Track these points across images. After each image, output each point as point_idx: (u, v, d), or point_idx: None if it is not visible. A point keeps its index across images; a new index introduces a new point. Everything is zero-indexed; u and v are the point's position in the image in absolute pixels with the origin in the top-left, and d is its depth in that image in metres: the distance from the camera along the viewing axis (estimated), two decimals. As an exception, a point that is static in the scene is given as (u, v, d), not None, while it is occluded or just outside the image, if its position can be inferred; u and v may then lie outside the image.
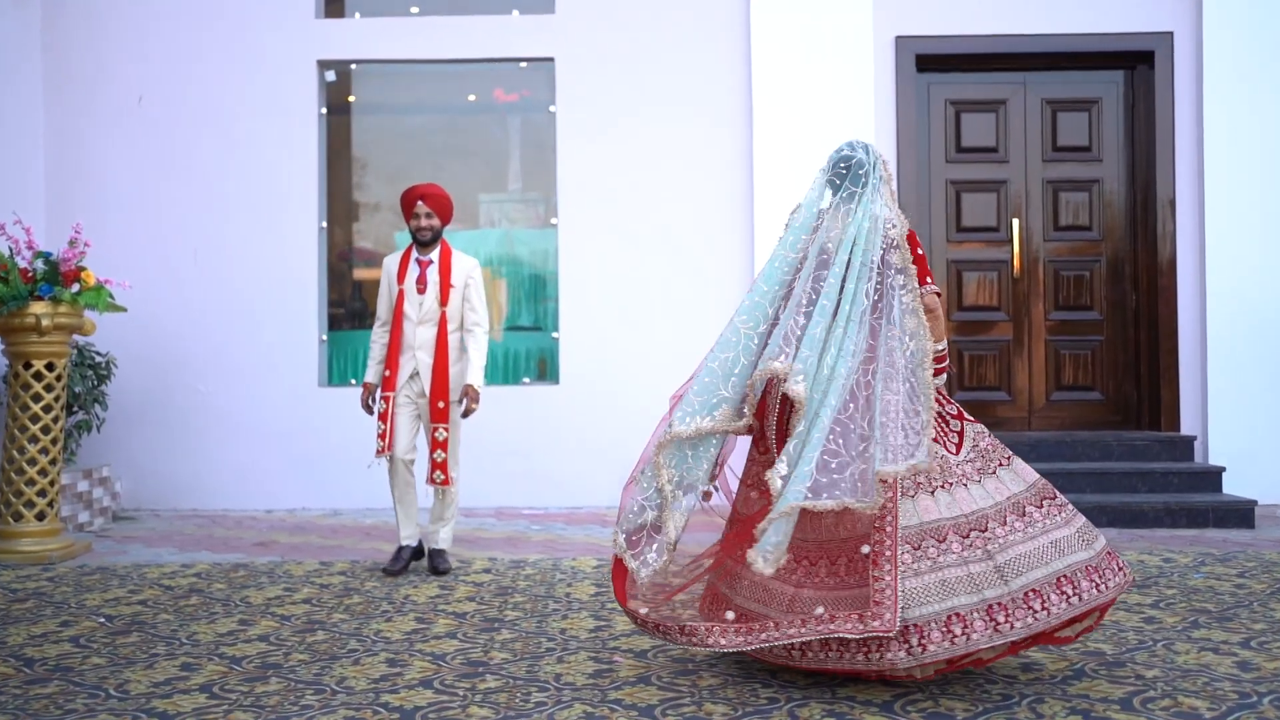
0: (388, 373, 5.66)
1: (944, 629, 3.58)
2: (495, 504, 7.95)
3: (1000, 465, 3.89)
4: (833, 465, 3.65)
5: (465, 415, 5.69)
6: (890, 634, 3.54)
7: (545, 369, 8.40)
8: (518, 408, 8.06)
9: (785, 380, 3.72)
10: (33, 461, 6.26)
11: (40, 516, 6.28)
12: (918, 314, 3.87)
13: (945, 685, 3.78)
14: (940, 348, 3.99)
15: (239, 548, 6.62)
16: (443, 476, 5.63)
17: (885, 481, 3.60)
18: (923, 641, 3.57)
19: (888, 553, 3.63)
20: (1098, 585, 3.70)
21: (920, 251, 3.97)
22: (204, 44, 8.04)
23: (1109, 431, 7.92)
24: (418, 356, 5.67)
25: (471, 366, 5.67)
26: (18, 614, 4.94)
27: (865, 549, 3.69)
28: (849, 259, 3.89)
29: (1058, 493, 3.89)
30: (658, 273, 8.04)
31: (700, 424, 3.87)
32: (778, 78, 7.86)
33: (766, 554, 3.63)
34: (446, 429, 5.62)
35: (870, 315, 3.87)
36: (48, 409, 6.30)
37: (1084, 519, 3.86)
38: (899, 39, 7.96)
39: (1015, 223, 8.11)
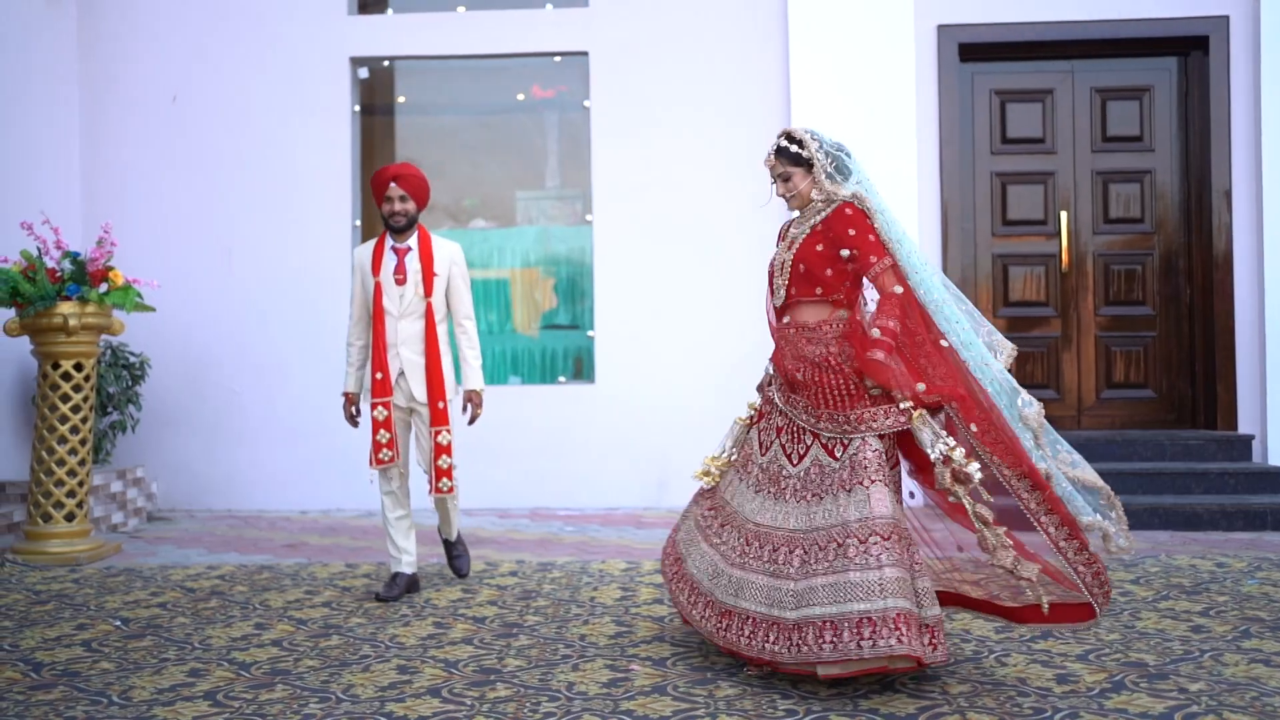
0: (379, 375, 5.06)
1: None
2: (530, 505, 7.85)
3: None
4: None
5: (471, 423, 5.24)
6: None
7: (581, 368, 8.28)
8: (553, 407, 7.95)
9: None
10: (61, 462, 6.23)
11: (69, 517, 6.25)
12: None
13: (974, 699, 3.60)
14: None
15: (268, 549, 6.56)
16: (449, 484, 5.10)
17: None
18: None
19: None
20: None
21: None
22: (236, 42, 8.00)
23: (1162, 430, 7.65)
24: (402, 355, 5.08)
25: (470, 370, 5.21)
26: (36, 616, 4.89)
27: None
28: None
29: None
30: (695, 270, 7.88)
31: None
32: (816, 68, 7.67)
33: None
34: (449, 431, 5.09)
35: None
36: (76, 409, 6.28)
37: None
38: (941, 28, 7.74)
39: (1063, 215, 7.86)
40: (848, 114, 7.52)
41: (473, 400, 5.20)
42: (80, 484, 6.31)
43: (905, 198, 7.60)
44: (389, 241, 5.15)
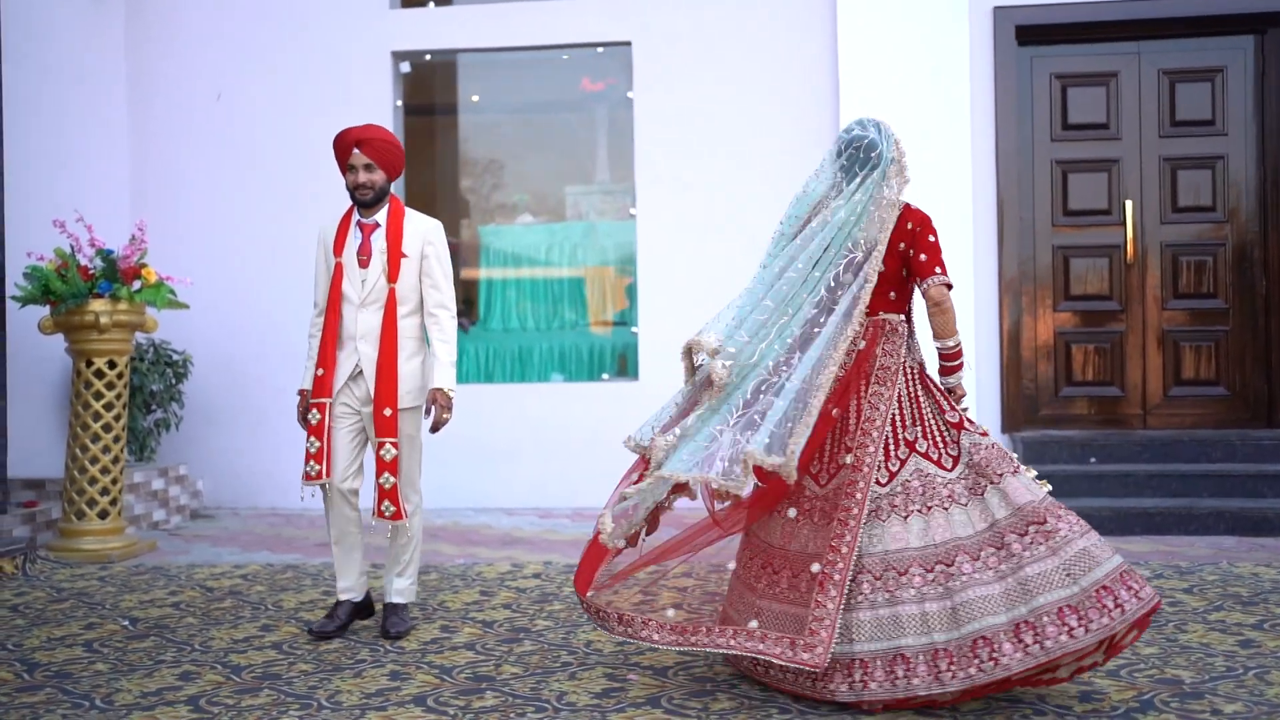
0: (320, 372, 4.32)
1: (888, 668, 3.36)
2: (573, 505, 7.69)
3: (991, 484, 3.48)
4: (720, 441, 3.55)
5: (435, 429, 4.38)
6: (818, 670, 3.35)
7: (625, 365, 8.11)
8: (596, 405, 7.78)
9: (712, 357, 3.65)
10: (95, 460, 6.23)
11: (103, 515, 6.25)
12: (857, 307, 3.66)
13: (985, 717, 3.36)
14: (952, 344, 3.73)
15: (301, 548, 6.50)
16: (393, 508, 4.29)
17: (763, 470, 3.42)
18: (865, 678, 3.38)
19: (837, 577, 3.40)
20: (1070, 630, 3.20)
21: (933, 239, 3.69)
22: (279, 39, 7.98)
23: (1233, 430, 7.24)
24: (360, 350, 4.33)
25: (439, 365, 4.36)
26: (50, 615, 4.87)
27: (815, 567, 3.46)
28: (828, 244, 3.70)
29: (1051, 515, 3.39)
30: (741, 264, 7.61)
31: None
32: (866, 55, 7.40)
33: (613, 510, 3.68)
34: (396, 445, 4.28)
35: (827, 303, 3.70)
36: (109, 407, 6.28)
37: (1083, 545, 3.32)
38: (997, 10, 7.41)
39: (1128, 204, 7.48)
40: (899, 102, 7.23)
41: (438, 401, 4.34)
42: (114, 481, 6.30)
43: (959, 187, 7.31)
44: (355, 216, 4.45)
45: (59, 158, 7.33)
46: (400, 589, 4.53)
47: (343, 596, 4.50)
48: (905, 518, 3.46)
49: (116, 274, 6.22)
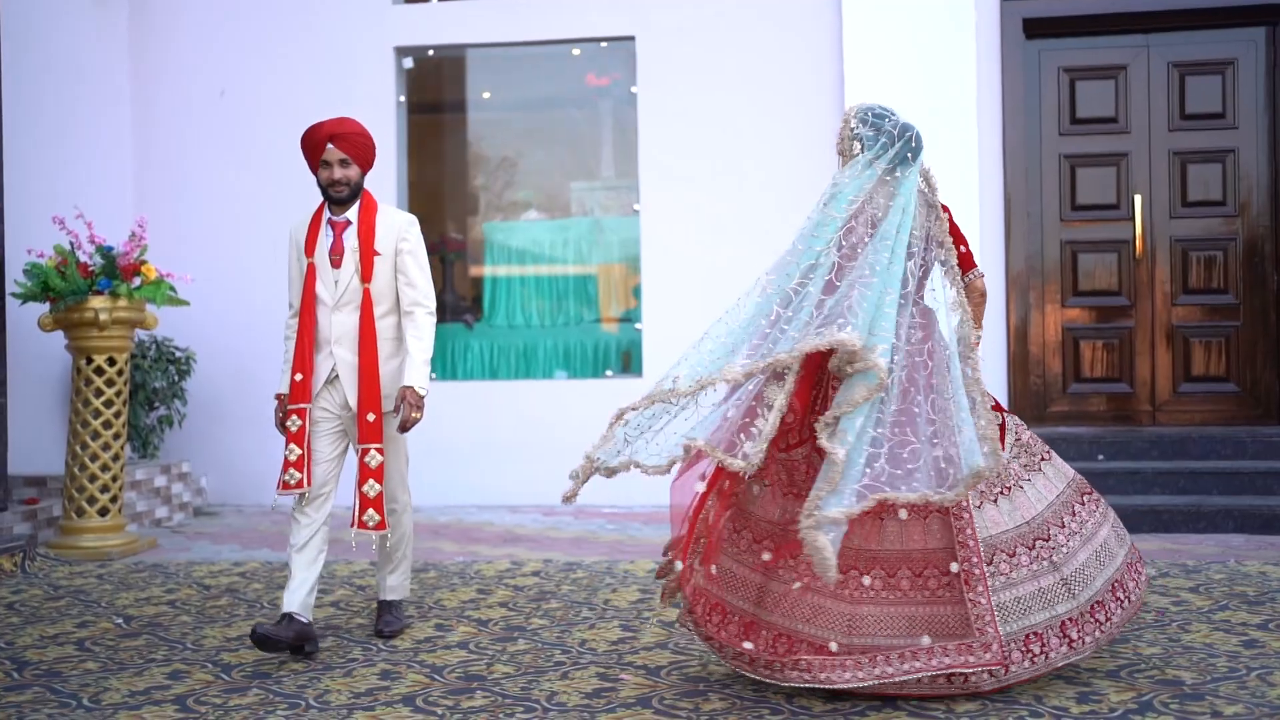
0: (299, 377, 4.12)
1: (1023, 649, 3.42)
2: (577, 503, 7.62)
3: (1043, 460, 3.66)
4: (904, 454, 3.28)
5: (403, 429, 4.11)
6: (1004, 666, 3.35)
7: (629, 362, 8.06)
8: (601, 402, 7.66)
9: (858, 352, 3.21)
10: (94, 457, 6.21)
11: (103, 512, 6.23)
12: (962, 296, 3.63)
13: (984, 717, 3.30)
14: (980, 334, 3.76)
15: (302, 546, 6.46)
16: (377, 518, 4.11)
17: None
18: (1004, 663, 3.39)
19: (977, 571, 3.40)
20: (1138, 583, 3.68)
21: (961, 231, 3.76)
22: (283, 35, 7.95)
23: (1243, 427, 7.15)
24: (336, 354, 4.16)
25: (410, 362, 4.13)
26: (45, 613, 4.85)
27: (955, 567, 3.42)
28: (896, 231, 3.56)
29: (1091, 486, 3.74)
30: (745, 260, 7.54)
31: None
32: (872, 49, 7.33)
33: (828, 538, 3.10)
34: (381, 451, 4.12)
35: (916, 294, 3.59)
36: (109, 404, 6.26)
37: (1114, 512, 3.78)
38: (1004, 3, 7.34)
39: (1137, 199, 7.40)
40: (905, 96, 7.11)
41: (407, 399, 4.09)
42: (114, 479, 6.28)
43: (965, 182, 7.23)
44: (326, 214, 4.25)
45: (61, 155, 7.32)
46: (393, 586, 4.46)
47: (288, 609, 4.06)
48: (994, 500, 3.53)
49: (116, 271, 6.19)
